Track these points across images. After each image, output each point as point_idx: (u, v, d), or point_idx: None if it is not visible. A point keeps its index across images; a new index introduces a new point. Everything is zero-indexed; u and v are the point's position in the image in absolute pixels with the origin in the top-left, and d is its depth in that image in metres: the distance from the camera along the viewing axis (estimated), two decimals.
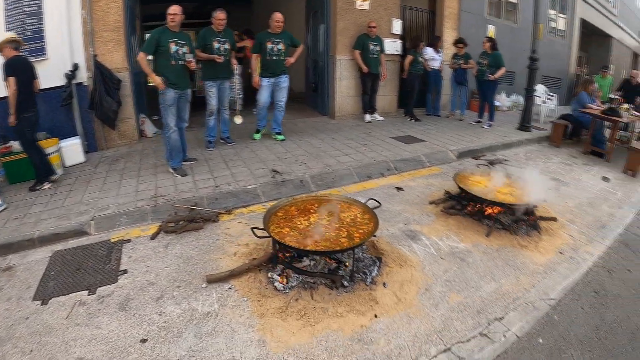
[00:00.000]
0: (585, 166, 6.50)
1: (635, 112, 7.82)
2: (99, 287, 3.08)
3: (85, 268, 3.33)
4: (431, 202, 4.64)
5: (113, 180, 4.93)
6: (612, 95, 10.04)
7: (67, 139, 5.80)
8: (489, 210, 4.15)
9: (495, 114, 8.82)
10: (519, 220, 4.04)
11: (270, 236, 3.09)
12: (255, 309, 2.81)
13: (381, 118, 8.67)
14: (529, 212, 4.09)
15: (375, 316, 2.76)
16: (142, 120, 6.93)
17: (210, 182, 4.82)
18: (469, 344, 2.55)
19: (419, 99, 9.31)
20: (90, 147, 6.19)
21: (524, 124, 8.41)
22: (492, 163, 6.25)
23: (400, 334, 2.61)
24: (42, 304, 2.93)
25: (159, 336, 2.57)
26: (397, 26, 8.96)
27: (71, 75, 5.97)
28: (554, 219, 4.27)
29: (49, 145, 5.31)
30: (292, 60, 6.50)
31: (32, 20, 6.14)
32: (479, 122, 8.77)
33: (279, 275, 3.08)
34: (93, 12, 6.13)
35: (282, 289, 2.97)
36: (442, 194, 4.77)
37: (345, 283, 2.99)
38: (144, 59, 4.86)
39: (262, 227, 3.15)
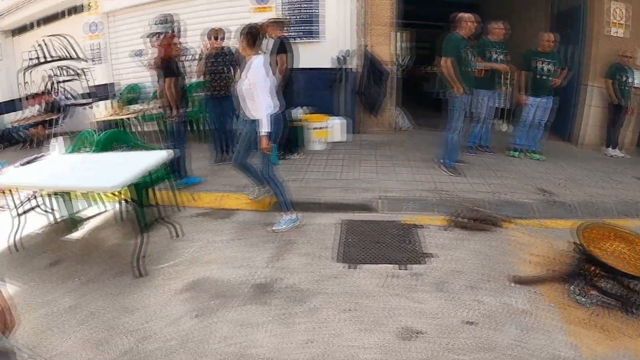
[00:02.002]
0: None
1: None
2: (408, 264, 3.55)
3: (384, 243, 3.88)
4: None
5: (385, 165, 5.62)
6: None
7: (334, 118, 6.77)
8: None
9: None
10: None
11: (587, 252, 3.31)
12: (563, 316, 3.04)
13: (622, 154, 8.21)
14: None
15: None
16: (397, 113, 7.67)
17: (485, 188, 5.15)
18: None
19: None
20: (349, 129, 7.06)
21: None
22: None
23: None
24: (348, 268, 3.51)
25: (484, 322, 2.90)
26: None
27: (343, 60, 6.92)
28: None
29: (319, 120, 6.36)
30: (559, 81, 6.55)
31: (309, 5, 7.24)
32: None
33: (579, 290, 3.29)
34: (367, 5, 6.99)
35: (583, 302, 3.19)
36: None
37: (635, 310, 3.13)
38: (451, 65, 5.23)
39: (576, 242, 3.42)
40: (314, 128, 6.41)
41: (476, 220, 4.31)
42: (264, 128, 3.96)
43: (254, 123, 4.05)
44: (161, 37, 5.67)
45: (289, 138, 5.94)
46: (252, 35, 4.01)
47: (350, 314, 2.96)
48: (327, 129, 6.56)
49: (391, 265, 3.54)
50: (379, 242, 3.90)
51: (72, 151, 5.26)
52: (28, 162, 4.91)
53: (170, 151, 4.30)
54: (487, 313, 3.02)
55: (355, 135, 7.08)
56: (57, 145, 5.14)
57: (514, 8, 10.85)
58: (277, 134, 4.18)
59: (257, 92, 3.91)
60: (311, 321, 2.91)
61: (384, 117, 7.31)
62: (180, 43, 5.52)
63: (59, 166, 4.59)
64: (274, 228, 4.26)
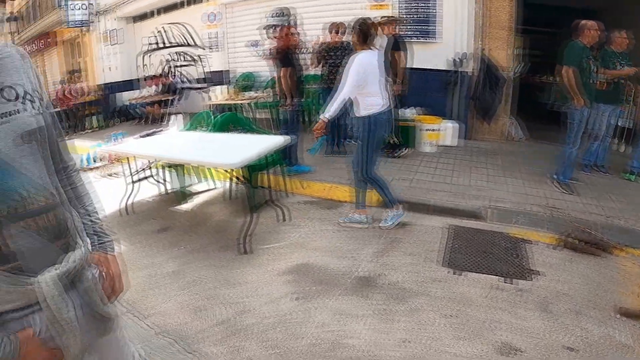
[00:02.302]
0: None
1: None
2: (514, 278, 3.46)
3: (491, 253, 3.80)
4: None
5: (496, 174, 5.49)
6: None
7: (447, 121, 6.76)
8: None
9: None
10: None
11: None
12: None
13: None
14: None
15: None
16: (510, 122, 7.43)
17: (598, 210, 4.87)
18: None
19: None
20: (461, 134, 6.98)
21: None
22: None
23: None
24: (453, 273, 3.49)
25: (585, 350, 2.75)
26: None
27: (459, 62, 6.83)
28: None
29: (432, 122, 6.40)
30: None
31: (426, 4, 7.18)
32: None
33: None
34: (485, 8, 6.81)
35: None
36: None
37: None
38: (573, 75, 5.00)
39: None
40: (427, 129, 6.46)
41: (587, 243, 4.11)
42: (328, 113, 4.02)
43: (360, 120, 4.10)
44: (278, 29, 5.94)
45: (396, 135, 6.05)
46: (362, 31, 4.05)
47: (451, 320, 2.94)
48: (440, 132, 6.57)
49: (497, 277, 3.48)
50: (485, 252, 3.83)
51: (189, 129, 5.66)
52: (147, 135, 5.35)
53: (287, 137, 4.50)
54: (589, 342, 2.87)
55: (467, 141, 7.01)
56: (176, 122, 5.56)
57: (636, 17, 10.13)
58: (379, 134, 4.18)
59: (347, 81, 3.94)
60: (410, 321, 2.94)
61: (497, 125, 7.11)
62: (298, 34, 5.72)
63: (177, 141, 5.00)
64: (380, 225, 4.31)
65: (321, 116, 4.10)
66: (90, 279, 1.32)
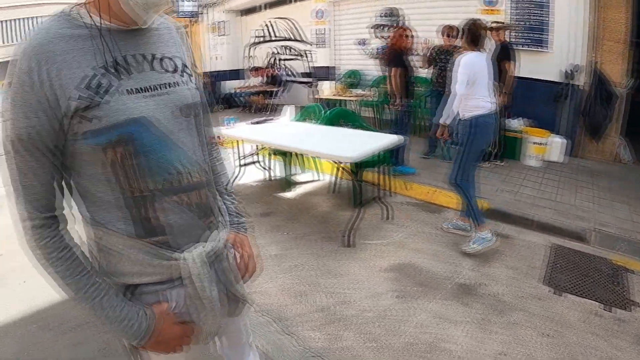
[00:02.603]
0: None
1: None
2: (613, 307, 3.32)
3: (592, 278, 3.68)
4: None
5: (602, 196, 5.25)
6: None
7: (554, 136, 6.51)
8: None
9: None
10: None
11: None
12: None
13: None
14: None
15: None
16: (620, 143, 7.04)
17: None
18: None
19: None
20: (567, 151, 6.68)
21: None
22: None
23: None
24: (553, 293, 3.42)
25: None
26: None
27: (570, 75, 6.53)
28: None
29: (540, 135, 6.24)
30: None
31: (539, 12, 6.90)
32: None
33: None
34: (600, 19, 6.41)
35: None
36: None
37: None
38: None
39: None
40: (534, 142, 6.29)
41: None
42: (445, 117, 4.03)
43: (464, 123, 3.99)
44: (393, 29, 6.01)
45: (498, 144, 6.02)
46: (471, 31, 3.98)
47: (548, 340, 2.91)
48: (547, 146, 6.36)
49: (596, 302, 3.37)
50: (587, 276, 3.73)
51: (298, 120, 5.90)
52: (258, 122, 5.64)
53: (401, 137, 4.58)
54: None
55: (572, 158, 6.70)
56: (288, 112, 5.82)
57: None
58: (483, 138, 4.04)
59: (457, 82, 3.87)
60: (508, 334, 2.95)
61: (606, 144, 6.72)
62: (412, 37, 5.76)
63: (289, 130, 5.21)
64: (463, 248, 3.99)
65: (440, 121, 4.09)
66: (227, 258, 1.32)
